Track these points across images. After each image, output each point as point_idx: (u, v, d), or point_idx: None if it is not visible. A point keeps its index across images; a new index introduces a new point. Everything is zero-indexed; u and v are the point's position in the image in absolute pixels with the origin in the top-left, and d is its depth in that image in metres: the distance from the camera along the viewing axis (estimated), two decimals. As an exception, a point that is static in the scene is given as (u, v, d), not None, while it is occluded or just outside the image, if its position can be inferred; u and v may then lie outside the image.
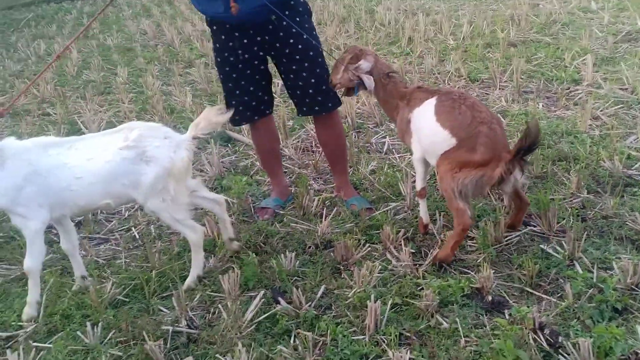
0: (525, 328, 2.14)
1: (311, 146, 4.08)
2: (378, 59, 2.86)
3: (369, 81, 2.78)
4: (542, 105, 4.23)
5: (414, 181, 2.93)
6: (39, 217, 2.41)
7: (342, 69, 2.84)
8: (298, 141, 4.15)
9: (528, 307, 2.24)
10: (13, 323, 2.47)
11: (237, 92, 3.01)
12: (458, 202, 2.50)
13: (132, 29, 8.18)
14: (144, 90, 5.43)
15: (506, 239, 2.75)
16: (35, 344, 2.30)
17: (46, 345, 2.31)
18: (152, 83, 5.51)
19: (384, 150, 3.89)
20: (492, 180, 2.46)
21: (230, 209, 3.25)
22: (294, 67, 2.96)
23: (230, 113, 2.81)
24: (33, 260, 2.44)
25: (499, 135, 2.52)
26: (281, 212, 3.24)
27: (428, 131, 2.62)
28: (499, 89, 4.65)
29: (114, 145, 2.46)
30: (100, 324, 2.36)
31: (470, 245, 2.74)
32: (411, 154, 2.87)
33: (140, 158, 2.45)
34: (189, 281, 2.63)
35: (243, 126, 4.28)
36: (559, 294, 2.38)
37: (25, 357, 2.21)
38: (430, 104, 2.64)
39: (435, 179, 3.24)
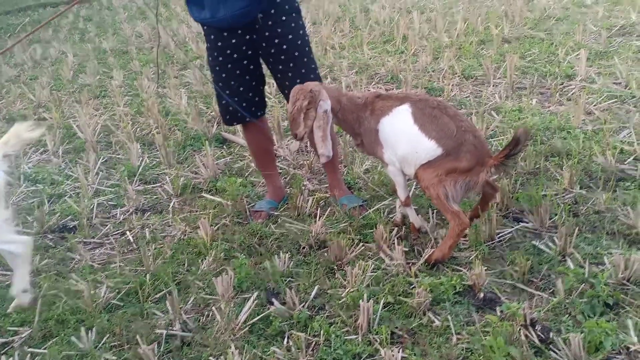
0: (516, 324, 2.15)
1: (306, 146, 4.09)
2: (325, 87, 2.69)
3: (330, 116, 2.65)
4: (536, 101, 4.23)
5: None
6: None
7: (302, 118, 2.62)
8: (292, 142, 4.16)
9: (519, 303, 2.25)
10: (9, 329, 2.49)
11: (227, 92, 3.02)
12: (452, 205, 2.52)
13: (128, 32, 8.20)
14: (139, 93, 5.44)
15: (498, 235, 2.76)
16: (30, 349, 2.32)
17: (41, 350, 2.32)
18: (147, 86, 5.52)
19: (378, 149, 3.90)
20: (477, 184, 2.53)
21: (225, 212, 3.27)
22: (280, 67, 2.97)
23: (41, 130, 2.69)
24: None
25: (482, 142, 2.56)
26: (275, 213, 3.25)
27: (408, 141, 2.55)
28: (493, 85, 4.66)
29: None
30: (94, 328, 2.38)
31: (462, 243, 2.74)
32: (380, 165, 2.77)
33: None
34: (14, 303, 2.51)
35: (238, 127, 4.31)
36: (551, 290, 2.39)
37: (21, 362, 2.23)
38: (404, 112, 2.56)
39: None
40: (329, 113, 2.64)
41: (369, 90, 4.84)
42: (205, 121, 4.54)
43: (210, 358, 2.20)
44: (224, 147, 4.24)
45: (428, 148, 2.49)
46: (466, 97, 4.52)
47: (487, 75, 4.78)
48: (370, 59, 5.74)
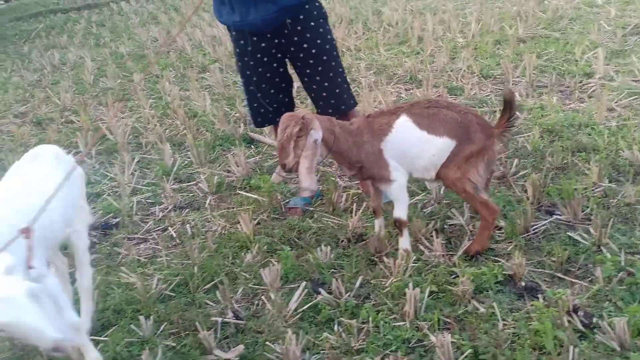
0: (561, 310, 2.23)
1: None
2: (317, 117, 2.55)
3: (319, 148, 2.51)
4: (556, 99, 4.32)
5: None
6: None
7: (292, 147, 2.46)
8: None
9: (563, 290, 2.34)
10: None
11: (259, 94, 3.12)
12: (480, 195, 2.60)
13: (143, 37, 8.30)
14: (162, 96, 5.54)
15: (533, 228, 2.85)
16: (92, 337, 2.41)
17: (102, 338, 2.41)
18: (169, 89, 5.62)
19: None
20: (495, 156, 2.65)
21: (262, 208, 3.36)
22: (307, 71, 3.06)
23: None
24: None
25: (482, 118, 2.66)
26: (311, 209, 3.34)
27: (423, 150, 2.56)
28: (512, 84, 4.75)
29: (54, 172, 2.25)
30: (152, 317, 2.47)
31: (499, 235, 2.84)
32: (381, 185, 2.69)
33: (74, 180, 2.35)
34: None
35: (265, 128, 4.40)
36: (589, 279, 2.48)
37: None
38: (405, 124, 2.56)
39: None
40: (318, 144, 2.49)
41: (389, 92, 4.96)
42: (232, 122, 4.64)
43: (267, 343, 2.29)
44: (252, 146, 4.32)
45: (443, 146, 2.55)
46: (487, 95, 4.61)
47: (506, 74, 4.88)
48: (387, 59, 5.83)
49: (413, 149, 2.58)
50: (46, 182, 2.15)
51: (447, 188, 2.81)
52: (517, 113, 2.61)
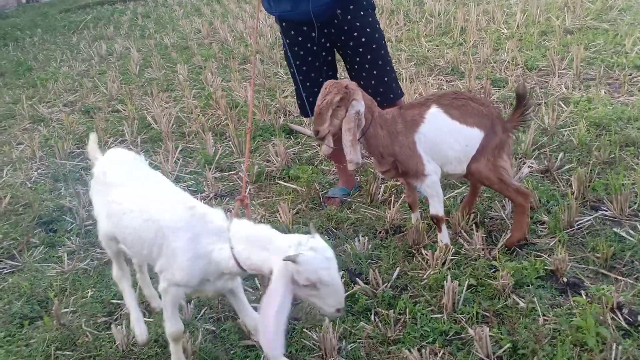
0: (604, 307, 2.18)
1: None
2: (360, 89, 2.53)
3: (362, 119, 2.49)
4: (605, 92, 4.19)
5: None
6: None
7: (329, 114, 2.45)
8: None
9: (607, 286, 2.28)
10: (111, 302, 2.68)
11: (308, 84, 3.14)
12: (512, 182, 2.59)
13: (187, 28, 8.45)
14: (205, 87, 5.63)
15: (577, 223, 2.78)
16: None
17: (146, 319, 2.49)
18: (212, 80, 5.71)
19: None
20: (511, 147, 2.66)
21: (300, 198, 3.39)
22: (357, 59, 3.06)
23: None
24: None
25: (498, 110, 2.64)
26: (349, 199, 3.35)
27: (456, 140, 2.53)
28: (558, 76, 4.63)
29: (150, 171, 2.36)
30: (192, 301, 2.54)
31: (541, 230, 2.78)
32: (413, 181, 2.63)
33: None
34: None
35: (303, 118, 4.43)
36: (635, 276, 2.41)
37: (128, 331, 2.41)
38: (437, 115, 2.54)
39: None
40: (361, 115, 2.46)
41: (430, 83, 4.91)
42: (272, 113, 4.69)
43: (304, 330, 2.32)
44: (292, 137, 4.36)
45: (474, 136, 2.53)
46: (532, 87, 4.51)
47: (552, 66, 4.75)
48: (428, 51, 5.76)
49: (446, 139, 2.56)
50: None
51: (477, 183, 2.77)
52: (531, 108, 2.60)
